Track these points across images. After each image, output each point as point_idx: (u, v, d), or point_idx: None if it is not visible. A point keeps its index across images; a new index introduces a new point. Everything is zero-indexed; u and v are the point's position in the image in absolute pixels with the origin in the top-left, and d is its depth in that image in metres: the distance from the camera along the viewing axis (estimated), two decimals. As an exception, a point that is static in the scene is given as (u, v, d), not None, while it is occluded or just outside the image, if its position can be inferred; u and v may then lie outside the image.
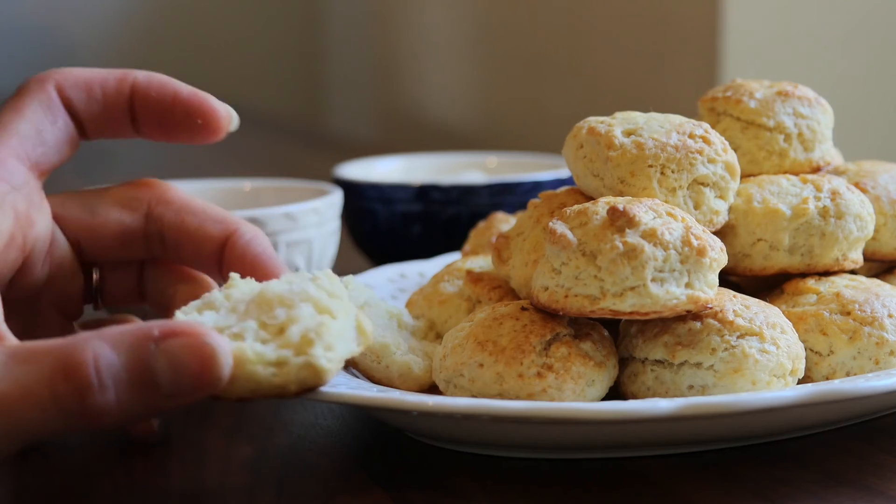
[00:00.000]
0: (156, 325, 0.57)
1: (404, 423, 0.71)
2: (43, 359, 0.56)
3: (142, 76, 0.70)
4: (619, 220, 0.67)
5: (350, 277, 0.71)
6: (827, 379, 0.71)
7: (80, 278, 0.73)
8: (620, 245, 0.67)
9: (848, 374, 0.71)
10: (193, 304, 0.64)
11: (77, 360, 0.55)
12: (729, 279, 0.79)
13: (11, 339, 0.59)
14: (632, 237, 0.67)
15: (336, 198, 0.99)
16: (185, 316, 0.63)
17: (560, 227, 0.69)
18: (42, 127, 0.67)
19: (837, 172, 0.83)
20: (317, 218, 0.95)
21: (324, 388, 0.64)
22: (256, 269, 0.70)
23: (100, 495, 0.66)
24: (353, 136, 2.72)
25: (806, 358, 0.72)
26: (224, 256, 0.71)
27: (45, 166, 0.68)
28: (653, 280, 0.67)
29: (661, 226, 0.67)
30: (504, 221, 0.91)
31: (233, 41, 3.12)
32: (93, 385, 0.55)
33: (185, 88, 0.70)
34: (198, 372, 0.56)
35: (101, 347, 0.56)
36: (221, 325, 0.61)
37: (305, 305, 0.62)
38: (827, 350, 0.72)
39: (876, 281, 0.75)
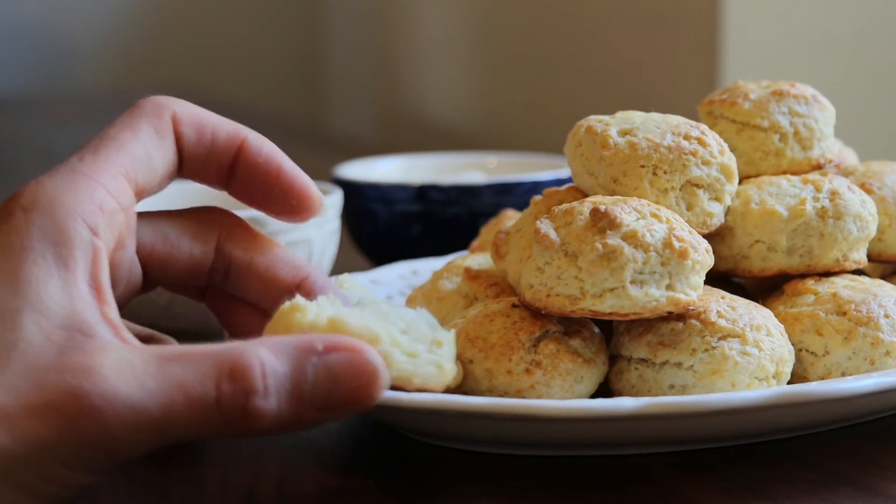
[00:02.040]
0: (319, 339, 0.57)
1: (397, 421, 0.71)
2: (203, 359, 0.56)
3: (253, 137, 0.68)
4: (601, 222, 0.68)
5: (346, 276, 0.70)
6: (822, 379, 0.71)
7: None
8: (600, 247, 0.67)
9: (843, 375, 0.71)
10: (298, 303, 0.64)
11: (245, 363, 0.55)
12: (732, 281, 0.80)
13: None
14: (612, 239, 0.67)
15: (336, 198, 0.99)
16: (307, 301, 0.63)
17: (545, 226, 0.69)
18: (153, 154, 0.65)
19: (846, 173, 0.83)
20: (317, 218, 0.95)
21: None
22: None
23: (99, 495, 0.66)
24: (353, 136, 2.72)
25: (801, 359, 0.72)
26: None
27: (146, 193, 0.66)
28: (632, 282, 0.67)
29: (642, 227, 0.68)
30: (512, 219, 0.91)
31: (233, 41, 3.12)
32: (258, 389, 0.55)
33: (288, 164, 0.68)
34: (355, 388, 0.57)
35: (267, 354, 0.56)
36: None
37: (423, 322, 0.64)
38: (822, 350, 0.72)
39: (878, 281, 0.75)
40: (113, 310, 0.60)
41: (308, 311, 0.61)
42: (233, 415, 0.55)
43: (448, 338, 0.64)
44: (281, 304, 0.63)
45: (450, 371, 0.63)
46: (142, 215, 0.70)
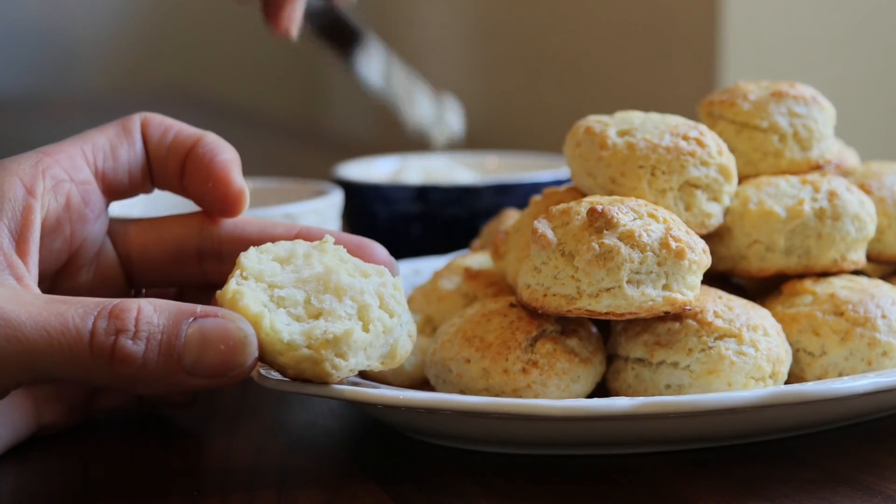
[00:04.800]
0: (200, 306, 0.61)
1: (396, 420, 0.71)
2: (87, 301, 0.60)
3: (210, 138, 0.72)
4: (598, 222, 0.68)
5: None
6: (819, 380, 0.71)
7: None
8: (597, 247, 0.67)
9: (840, 375, 0.71)
10: (275, 248, 0.66)
11: (122, 306, 0.60)
12: (731, 281, 0.80)
13: None
14: (609, 239, 0.67)
15: (336, 198, 0.99)
16: (259, 254, 0.65)
17: (542, 226, 0.69)
18: (117, 145, 0.70)
19: (846, 173, 0.83)
20: (317, 218, 0.95)
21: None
22: None
23: (100, 495, 0.67)
24: (353, 136, 2.72)
25: (799, 359, 0.72)
26: None
27: (112, 182, 0.70)
28: (628, 282, 0.67)
29: (639, 227, 0.68)
30: (514, 218, 0.91)
31: (233, 41, 3.12)
32: (128, 329, 0.59)
33: (221, 158, 0.71)
34: (223, 353, 0.60)
35: (147, 305, 0.60)
36: (276, 283, 0.64)
37: (352, 304, 0.64)
38: (819, 351, 0.72)
39: (876, 282, 0.75)
40: (31, 261, 0.64)
41: (228, 289, 0.63)
42: (101, 351, 0.59)
43: (348, 338, 0.63)
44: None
45: (330, 372, 0.63)
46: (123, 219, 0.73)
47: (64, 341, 0.59)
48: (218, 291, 0.63)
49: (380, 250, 0.70)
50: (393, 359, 0.66)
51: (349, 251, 0.68)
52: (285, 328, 0.62)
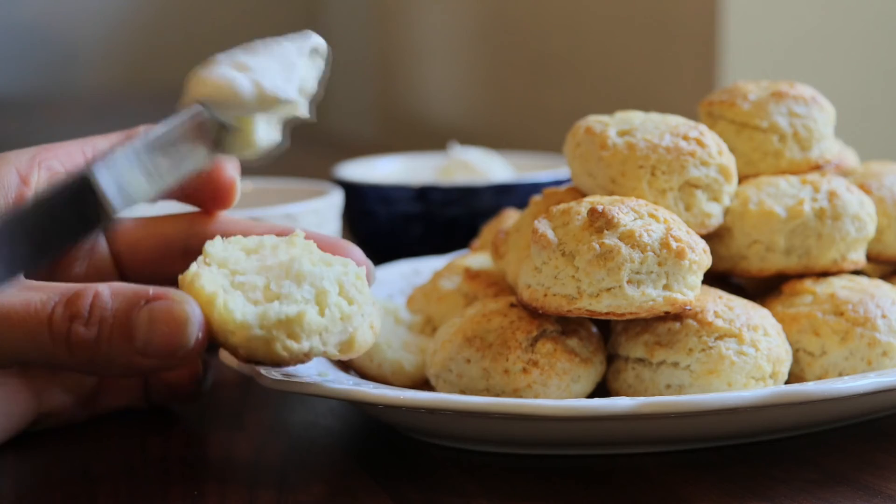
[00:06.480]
0: (153, 288, 0.62)
1: (397, 420, 0.71)
2: (52, 288, 0.62)
3: None
4: (599, 222, 0.68)
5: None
6: (819, 379, 0.71)
7: None
8: (597, 247, 0.67)
9: (840, 375, 0.71)
10: (244, 240, 0.67)
11: (80, 292, 0.62)
12: (730, 281, 0.80)
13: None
14: (609, 239, 0.67)
15: (336, 198, 0.99)
16: (224, 243, 0.66)
17: (542, 226, 0.70)
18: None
19: (845, 173, 0.83)
20: (317, 218, 0.95)
21: (297, 379, 0.66)
22: None
23: (100, 495, 0.67)
24: (353, 136, 2.72)
25: (799, 359, 0.72)
26: None
27: None
28: (629, 282, 0.67)
29: (640, 227, 0.68)
30: (513, 218, 0.91)
31: (233, 41, 3.11)
32: (82, 315, 0.61)
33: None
34: (167, 333, 0.61)
35: (104, 290, 0.62)
36: (239, 269, 0.65)
37: (310, 289, 0.65)
38: (819, 351, 0.72)
39: (875, 282, 0.76)
40: None
41: (189, 273, 0.64)
42: (59, 336, 0.61)
43: (302, 319, 0.63)
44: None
45: (282, 355, 0.63)
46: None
47: (27, 327, 0.61)
48: (179, 275, 0.64)
49: (355, 251, 0.70)
50: (351, 347, 0.65)
51: (324, 250, 0.68)
52: (239, 308, 0.63)
